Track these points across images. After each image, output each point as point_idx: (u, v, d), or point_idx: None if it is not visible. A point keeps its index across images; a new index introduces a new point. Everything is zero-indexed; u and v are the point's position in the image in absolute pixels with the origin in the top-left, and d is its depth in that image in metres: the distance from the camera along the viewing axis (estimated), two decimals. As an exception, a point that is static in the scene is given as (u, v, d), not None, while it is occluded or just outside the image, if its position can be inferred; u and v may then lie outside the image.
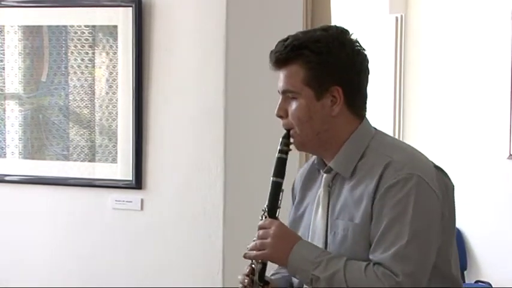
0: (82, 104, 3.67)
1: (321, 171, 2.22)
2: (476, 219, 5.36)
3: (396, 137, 5.65)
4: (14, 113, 3.76)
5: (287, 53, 2.12)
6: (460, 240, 5.43)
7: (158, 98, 3.56)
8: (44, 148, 3.72)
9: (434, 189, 2.08)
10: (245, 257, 2.16)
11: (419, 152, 2.19)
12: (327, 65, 2.12)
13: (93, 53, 3.64)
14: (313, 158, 2.31)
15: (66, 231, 3.72)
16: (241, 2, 3.51)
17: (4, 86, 3.77)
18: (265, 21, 3.52)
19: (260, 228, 2.14)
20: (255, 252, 2.13)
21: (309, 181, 2.29)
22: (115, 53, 3.59)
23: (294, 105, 2.13)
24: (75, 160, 3.68)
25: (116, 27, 3.58)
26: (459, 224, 5.41)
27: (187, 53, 3.52)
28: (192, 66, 3.52)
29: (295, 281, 2.26)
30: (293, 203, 2.33)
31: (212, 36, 3.46)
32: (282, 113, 2.16)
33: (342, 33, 2.17)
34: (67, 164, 3.69)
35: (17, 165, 3.77)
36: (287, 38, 2.16)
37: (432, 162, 2.18)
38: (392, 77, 5.66)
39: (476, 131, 5.35)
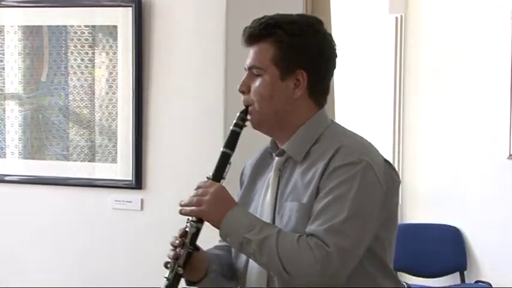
0: (82, 104, 3.67)
1: (273, 154, 2.23)
2: (476, 219, 5.36)
3: (396, 137, 5.66)
4: (14, 113, 3.76)
5: (260, 30, 2.16)
6: (460, 240, 5.43)
7: (158, 98, 3.56)
8: (43, 148, 3.72)
9: (380, 178, 2.10)
10: (181, 212, 2.15)
11: (372, 144, 2.21)
12: (297, 47, 2.14)
13: (93, 53, 3.64)
14: (264, 147, 2.32)
15: (66, 231, 3.72)
16: (241, 2, 3.51)
17: (4, 86, 3.77)
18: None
19: (200, 187, 2.14)
20: (190, 208, 2.12)
21: (260, 167, 2.30)
22: (115, 53, 3.59)
23: (257, 82, 2.15)
24: (75, 160, 3.68)
25: (115, 27, 3.59)
26: (459, 224, 5.44)
27: (187, 53, 3.52)
28: (192, 66, 3.52)
29: (227, 261, 2.27)
30: (241, 188, 2.34)
31: (212, 36, 3.46)
32: (245, 89, 2.18)
33: (318, 22, 2.20)
34: (67, 164, 3.69)
35: (17, 165, 3.77)
36: (263, 17, 2.19)
37: (382, 156, 2.20)
38: (392, 77, 5.66)
39: (476, 131, 5.35)
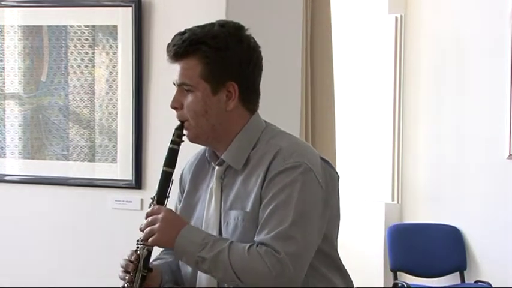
0: (82, 104, 3.67)
1: (213, 163, 2.26)
2: (476, 219, 5.36)
3: (396, 137, 5.65)
4: (13, 113, 3.76)
5: (185, 47, 2.18)
6: (460, 240, 5.43)
7: (158, 98, 3.56)
8: (43, 148, 3.72)
9: (319, 178, 2.14)
10: (139, 244, 2.20)
11: (307, 144, 2.29)
12: (224, 60, 2.16)
13: (93, 53, 3.64)
14: (200, 148, 2.35)
15: (66, 231, 3.71)
16: (241, 2, 3.51)
17: (4, 86, 3.77)
18: (265, 21, 3.52)
19: (148, 215, 2.20)
20: (145, 239, 2.18)
21: (199, 172, 2.34)
22: (115, 53, 3.59)
23: (190, 98, 2.19)
24: (75, 160, 3.68)
25: (115, 27, 3.59)
26: (459, 224, 5.44)
27: (187, 53, 3.51)
28: (192, 66, 3.52)
29: (177, 266, 2.31)
30: (182, 194, 2.37)
31: (212, 36, 3.46)
32: (177, 105, 2.22)
33: (239, 29, 2.22)
34: (67, 164, 3.69)
35: (16, 165, 3.77)
36: (184, 32, 2.21)
37: (318, 154, 2.24)
38: (392, 76, 5.65)
39: (476, 131, 5.35)
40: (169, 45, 2.22)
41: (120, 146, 3.61)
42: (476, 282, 5.28)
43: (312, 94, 3.86)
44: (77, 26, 3.64)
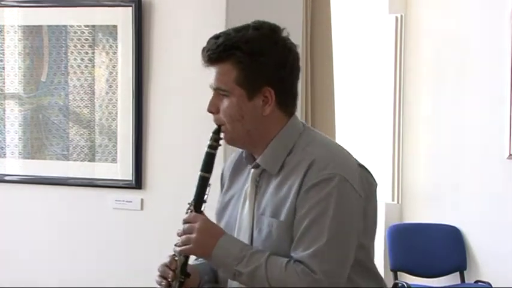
0: (82, 103, 3.67)
1: (249, 165, 2.24)
2: (476, 219, 5.36)
3: (396, 137, 5.65)
4: (13, 113, 3.76)
5: (219, 53, 2.14)
6: (460, 240, 5.43)
7: (158, 98, 3.56)
8: (43, 148, 3.72)
9: (356, 188, 2.12)
10: (176, 252, 2.18)
11: (344, 150, 2.23)
12: (259, 66, 2.12)
13: (93, 53, 3.64)
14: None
15: (66, 231, 3.72)
16: (241, 2, 3.51)
17: (4, 86, 3.77)
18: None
19: (185, 222, 2.17)
20: (181, 247, 2.15)
21: (237, 171, 2.31)
22: (115, 53, 3.59)
23: (225, 103, 2.15)
24: (75, 160, 3.68)
25: (115, 27, 3.59)
26: (459, 224, 5.44)
27: (187, 53, 3.51)
28: (191, 66, 3.51)
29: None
30: (221, 191, 2.36)
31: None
32: (213, 109, 2.18)
33: (274, 31, 2.17)
34: (67, 164, 3.69)
35: (17, 165, 3.77)
36: (219, 36, 2.17)
37: (356, 160, 2.21)
38: (392, 76, 5.65)
39: (477, 131, 5.35)
40: (204, 49, 2.17)
41: (120, 146, 3.61)
42: (476, 282, 5.28)
43: (312, 94, 3.86)
44: (77, 26, 3.64)
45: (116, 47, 3.59)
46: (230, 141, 2.21)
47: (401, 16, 5.65)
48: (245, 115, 2.14)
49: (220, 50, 2.13)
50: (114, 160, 3.63)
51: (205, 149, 2.21)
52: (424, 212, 5.70)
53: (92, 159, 3.66)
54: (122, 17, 3.56)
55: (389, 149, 5.63)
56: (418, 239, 5.45)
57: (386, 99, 5.64)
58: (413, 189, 5.71)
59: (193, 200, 2.21)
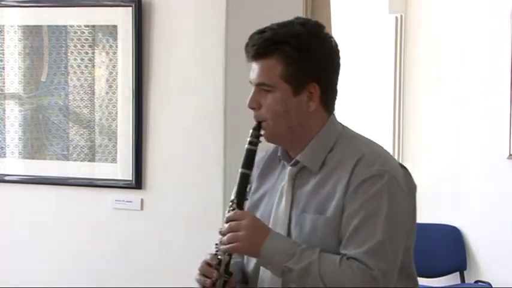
0: (82, 103, 3.67)
1: (286, 163, 2.21)
2: (476, 219, 5.35)
3: (396, 137, 5.66)
4: (14, 113, 3.76)
5: (266, 47, 2.11)
6: (460, 240, 5.43)
7: (158, 98, 3.56)
8: (43, 148, 3.72)
9: (403, 187, 2.11)
10: (220, 249, 2.13)
11: (386, 150, 2.21)
12: (306, 61, 2.11)
13: (93, 53, 3.64)
14: (272, 146, 2.30)
15: (66, 231, 3.72)
16: (241, 2, 3.51)
17: (4, 86, 3.77)
18: (265, 21, 3.50)
19: (230, 220, 2.12)
20: (227, 246, 2.10)
21: (267, 170, 2.28)
22: (115, 53, 3.59)
23: (269, 99, 2.12)
24: (75, 160, 3.68)
25: (115, 27, 3.58)
26: (459, 224, 5.44)
27: (187, 53, 3.52)
28: (191, 66, 3.52)
29: (248, 267, 2.26)
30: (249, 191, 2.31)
31: (212, 36, 3.46)
32: (255, 105, 2.15)
33: (320, 28, 2.16)
34: (67, 164, 3.69)
35: (16, 165, 3.77)
36: (264, 30, 2.14)
37: (397, 162, 2.20)
38: (392, 76, 5.65)
39: (476, 131, 5.35)
40: (248, 44, 2.14)
41: (120, 146, 3.61)
42: (476, 282, 5.28)
43: (312, 94, 3.86)
44: (77, 26, 3.64)
45: (116, 47, 3.59)
46: (271, 138, 2.18)
47: (401, 16, 5.65)
48: (289, 111, 2.11)
49: (268, 44, 2.10)
50: (114, 160, 3.63)
51: (245, 145, 2.17)
52: (424, 212, 5.69)
53: (92, 159, 3.66)
54: (122, 17, 3.56)
55: (389, 149, 5.63)
56: (418, 239, 5.40)
57: (386, 99, 5.65)
58: (413, 189, 5.70)
59: (235, 197, 2.16)
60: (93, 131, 3.65)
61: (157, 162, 3.58)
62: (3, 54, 3.75)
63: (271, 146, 2.29)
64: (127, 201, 3.61)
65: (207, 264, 2.16)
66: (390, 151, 5.61)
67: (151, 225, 3.59)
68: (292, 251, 2.04)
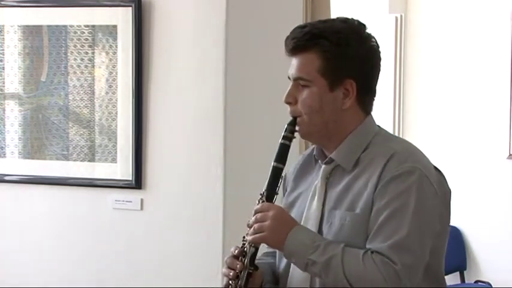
0: (82, 103, 3.67)
1: (320, 162, 2.20)
2: (476, 219, 5.36)
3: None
4: (13, 113, 3.76)
5: (306, 41, 2.10)
6: (460, 240, 5.43)
7: (158, 98, 3.56)
8: (43, 148, 3.72)
9: (435, 185, 2.09)
10: (248, 241, 2.12)
11: (421, 150, 2.19)
12: (344, 57, 2.09)
13: (93, 53, 3.63)
14: (308, 150, 2.30)
15: (66, 231, 3.71)
16: (241, 2, 3.51)
17: (4, 86, 3.77)
18: (265, 21, 3.52)
19: (257, 211, 2.11)
20: (253, 236, 2.10)
21: (302, 172, 2.27)
22: (115, 53, 3.59)
23: (305, 93, 2.11)
24: (75, 160, 3.68)
25: (115, 27, 3.58)
26: (459, 224, 5.44)
27: (187, 53, 3.52)
28: (192, 66, 3.52)
29: (279, 267, 2.25)
30: (284, 194, 2.32)
31: (212, 36, 3.46)
32: (291, 100, 2.14)
33: (361, 27, 2.16)
34: (67, 164, 3.69)
35: (16, 165, 3.77)
36: (305, 25, 2.14)
37: (432, 163, 2.18)
38: (392, 76, 5.66)
39: (476, 131, 5.35)
40: (288, 38, 2.13)
41: (120, 146, 3.61)
42: (476, 282, 5.28)
43: (312, 94, 3.86)
44: (77, 26, 3.64)
45: (116, 47, 3.59)
46: (305, 134, 2.17)
47: (401, 16, 5.65)
48: (324, 106, 2.10)
49: (307, 38, 2.09)
50: (114, 160, 3.63)
51: (280, 140, 2.16)
52: (424, 212, 5.70)
53: (92, 159, 3.66)
54: (122, 17, 3.56)
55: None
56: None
57: (386, 99, 5.65)
58: (413, 189, 5.70)
59: (265, 190, 2.15)
60: (93, 130, 3.65)
61: (157, 162, 3.58)
62: (3, 54, 3.75)
63: (311, 147, 2.29)
64: (127, 201, 3.61)
65: (233, 256, 2.16)
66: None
67: (151, 225, 3.59)
68: (316, 244, 2.03)
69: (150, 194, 3.60)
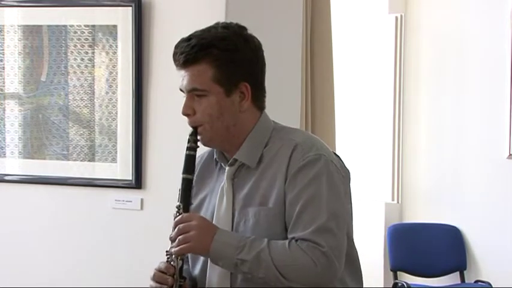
0: (82, 103, 3.67)
1: (223, 165, 2.25)
2: (476, 219, 5.36)
3: (396, 137, 5.66)
4: (13, 113, 3.76)
5: (195, 53, 2.15)
6: (460, 240, 5.43)
7: (158, 97, 3.56)
8: (43, 148, 3.72)
9: (340, 168, 2.18)
10: (172, 253, 2.18)
11: (318, 138, 2.28)
12: (235, 62, 2.16)
13: (93, 53, 3.64)
14: (205, 151, 2.35)
15: (66, 231, 3.72)
16: (241, 2, 3.51)
17: (4, 86, 3.77)
18: (265, 21, 3.52)
19: (178, 223, 2.16)
20: (179, 247, 2.14)
21: (204, 174, 2.32)
22: (115, 53, 3.59)
23: (203, 103, 2.17)
24: (75, 160, 3.68)
25: (115, 26, 3.59)
26: (459, 224, 5.44)
27: (187, 52, 3.51)
28: (192, 66, 3.52)
29: (194, 270, 2.29)
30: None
31: (212, 36, 3.46)
32: (190, 111, 2.19)
33: (242, 29, 2.22)
34: (67, 164, 3.69)
35: (16, 165, 3.77)
36: (190, 38, 2.19)
37: (331, 150, 2.26)
38: (392, 76, 5.65)
39: (476, 131, 5.35)
40: (175, 53, 2.19)
41: (120, 146, 3.61)
42: (476, 282, 5.28)
43: (312, 94, 3.86)
44: (77, 25, 3.65)
45: (116, 46, 3.59)
46: (208, 142, 2.23)
47: (401, 16, 5.65)
48: (224, 112, 2.17)
49: (197, 50, 2.15)
50: (114, 160, 3.63)
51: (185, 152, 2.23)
52: (424, 211, 5.70)
53: (92, 159, 3.66)
54: (122, 17, 3.56)
55: (389, 148, 5.63)
56: (418, 239, 5.46)
57: (386, 99, 5.65)
58: (413, 189, 5.71)
59: (180, 202, 2.22)
60: (93, 130, 3.65)
61: (157, 162, 3.58)
62: (3, 54, 3.75)
63: (205, 150, 2.34)
64: (127, 201, 3.61)
65: (160, 271, 2.21)
66: (390, 151, 5.64)
67: (151, 225, 3.59)
68: (242, 243, 2.09)
69: (150, 194, 3.60)
